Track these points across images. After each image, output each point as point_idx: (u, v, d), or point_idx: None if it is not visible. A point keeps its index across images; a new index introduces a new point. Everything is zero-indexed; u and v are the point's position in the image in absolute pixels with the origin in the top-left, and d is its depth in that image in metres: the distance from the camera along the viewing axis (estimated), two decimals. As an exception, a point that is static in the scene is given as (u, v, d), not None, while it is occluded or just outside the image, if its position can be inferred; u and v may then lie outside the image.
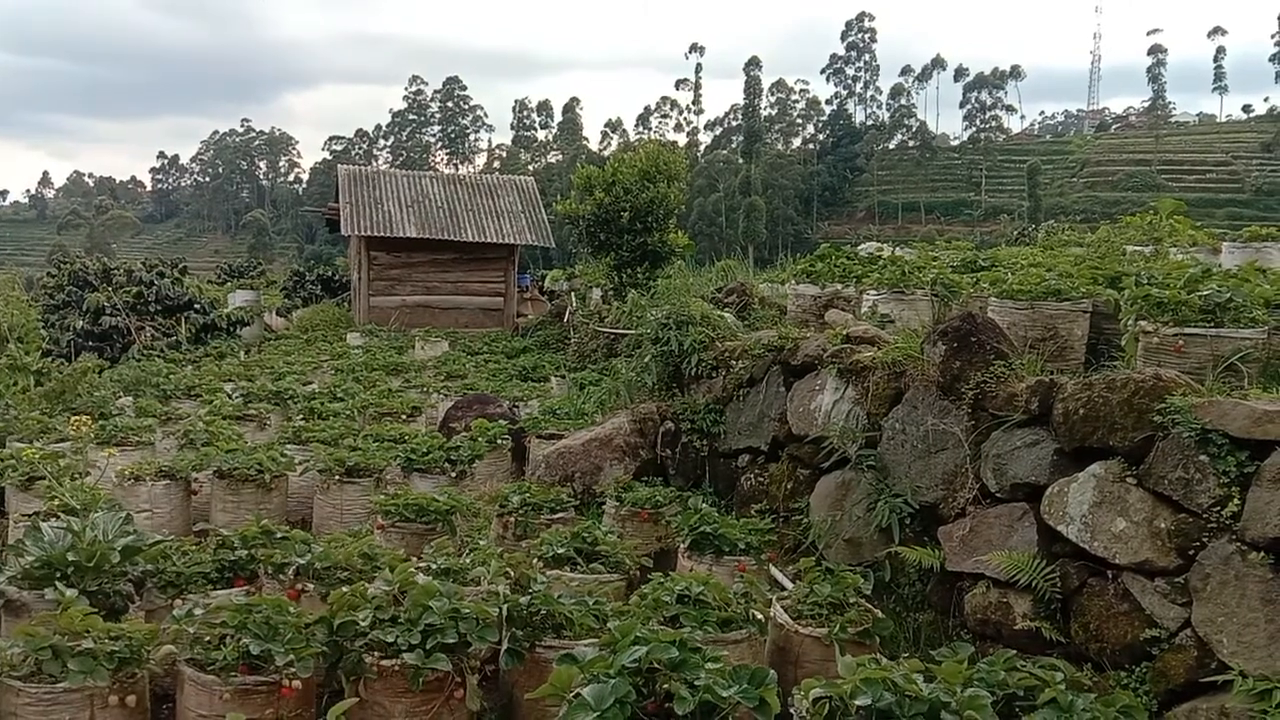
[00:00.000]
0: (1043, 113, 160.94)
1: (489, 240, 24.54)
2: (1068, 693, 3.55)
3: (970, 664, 3.88)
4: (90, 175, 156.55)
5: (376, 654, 4.23)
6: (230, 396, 12.38)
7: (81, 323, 17.70)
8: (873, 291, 8.25)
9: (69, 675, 3.87)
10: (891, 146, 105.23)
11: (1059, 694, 3.53)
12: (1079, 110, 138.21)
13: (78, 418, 8.18)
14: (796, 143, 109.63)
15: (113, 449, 8.37)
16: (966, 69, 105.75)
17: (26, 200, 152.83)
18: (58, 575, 4.67)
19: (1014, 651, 4.21)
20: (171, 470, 7.87)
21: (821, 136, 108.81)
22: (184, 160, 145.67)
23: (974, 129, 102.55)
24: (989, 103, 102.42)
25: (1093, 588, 4.71)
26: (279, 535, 5.75)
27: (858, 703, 3.38)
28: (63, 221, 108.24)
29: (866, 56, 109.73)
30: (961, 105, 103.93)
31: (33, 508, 6.61)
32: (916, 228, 79.00)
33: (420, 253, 24.32)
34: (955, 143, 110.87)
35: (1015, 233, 29.26)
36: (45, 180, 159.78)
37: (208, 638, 4.23)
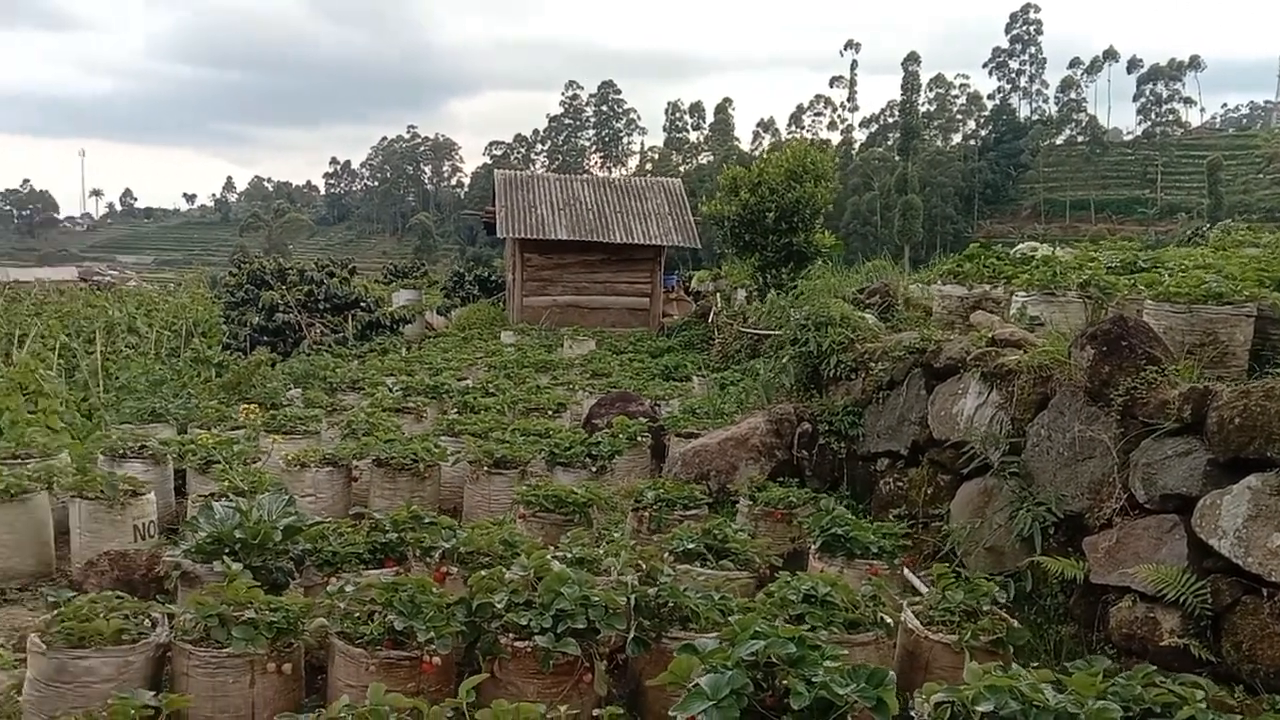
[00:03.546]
0: (1225, 105, 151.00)
1: (636, 241, 24.89)
2: (1208, 711, 3.40)
3: (1108, 678, 3.75)
4: (269, 180, 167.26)
5: (511, 635, 4.42)
6: (390, 390, 13.01)
7: (257, 319, 18.93)
8: (1022, 293, 8.00)
9: (233, 642, 4.21)
10: (1059, 142, 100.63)
11: (1198, 712, 3.38)
12: (1267, 102, 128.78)
13: (247, 406, 8.78)
14: (956, 139, 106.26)
15: (278, 436, 8.97)
16: (1141, 60, 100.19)
17: (212, 204, 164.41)
18: (226, 550, 5.07)
19: (1154, 667, 4.02)
20: (334, 458, 8.36)
21: (983, 132, 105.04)
22: (355, 165, 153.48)
23: (1149, 123, 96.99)
24: (1165, 95, 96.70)
25: (1246, 606, 4.46)
26: (427, 520, 6.05)
27: (980, 709, 3.33)
28: (244, 224, 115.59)
29: (1032, 49, 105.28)
30: (1135, 98, 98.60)
31: (209, 489, 7.16)
32: (1085, 226, 75.34)
33: (571, 254, 24.90)
34: (1128, 138, 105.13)
35: (1188, 232, 27.52)
36: (229, 185, 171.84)
37: (357, 613, 4.51)
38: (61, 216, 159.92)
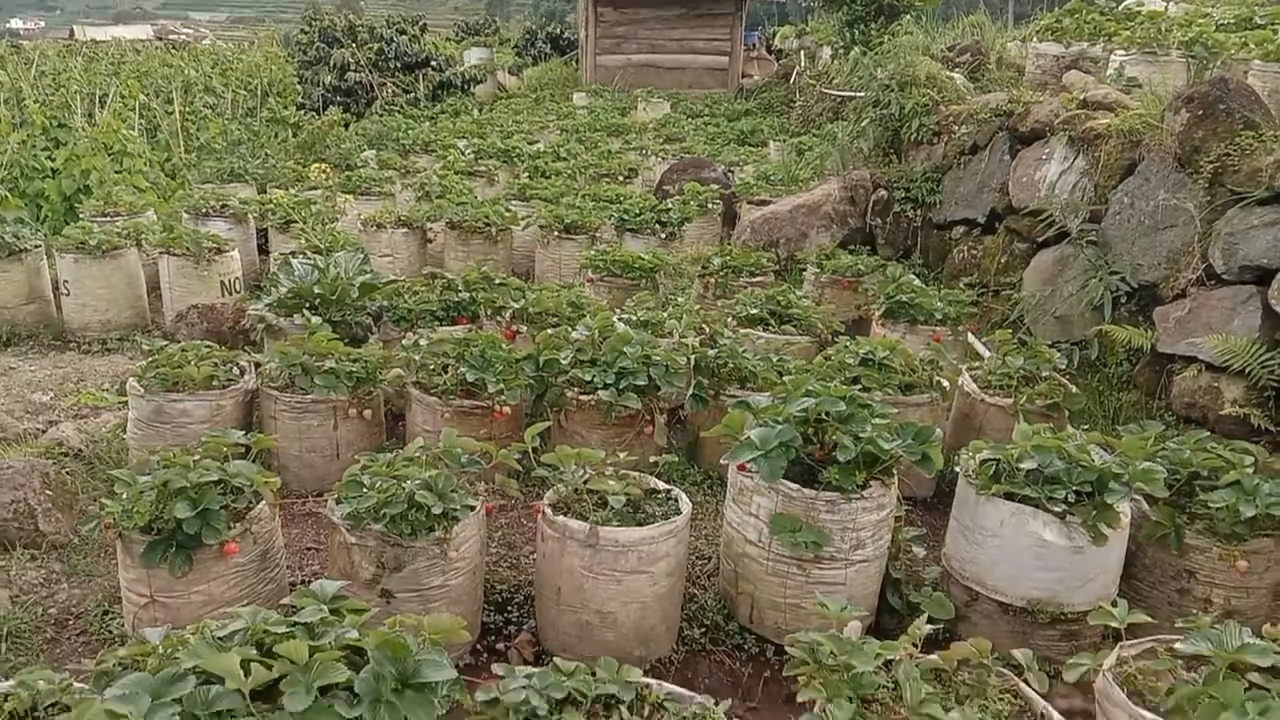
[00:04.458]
0: None
1: (717, -8, 23.50)
2: (1254, 476, 3.44)
3: (1159, 442, 3.79)
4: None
5: (576, 390, 4.62)
6: (463, 153, 12.96)
7: (330, 78, 18.71)
8: (1121, 52, 7.50)
9: (315, 388, 4.48)
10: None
11: (1244, 476, 3.43)
12: None
13: (318, 164, 8.85)
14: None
15: (353, 196, 9.09)
16: None
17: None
18: (306, 305, 5.29)
19: (1207, 434, 4.04)
20: (409, 220, 8.49)
21: None
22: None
23: None
24: None
25: (1314, 378, 4.41)
26: (498, 281, 6.19)
27: (1024, 466, 3.43)
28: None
29: None
30: None
31: (290, 247, 7.39)
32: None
33: (646, 8, 23.72)
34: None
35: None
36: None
37: (432, 365, 4.73)
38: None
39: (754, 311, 5.77)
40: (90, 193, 8.96)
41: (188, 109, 12.97)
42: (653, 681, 2.58)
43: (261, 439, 3.70)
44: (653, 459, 4.15)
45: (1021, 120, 7.46)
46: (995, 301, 7.09)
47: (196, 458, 3.32)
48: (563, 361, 4.68)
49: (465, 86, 21.42)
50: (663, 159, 13.11)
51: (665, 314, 5.56)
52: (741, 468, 3.52)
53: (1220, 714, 2.23)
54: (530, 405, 4.84)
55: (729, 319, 5.73)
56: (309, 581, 3.28)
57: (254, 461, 3.51)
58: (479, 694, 2.40)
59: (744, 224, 8.77)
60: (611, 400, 4.44)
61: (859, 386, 4.37)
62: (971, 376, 4.98)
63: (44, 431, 5.03)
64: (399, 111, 17.86)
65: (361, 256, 6.04)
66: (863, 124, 8.98)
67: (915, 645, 2.57)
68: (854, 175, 8.60)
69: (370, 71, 19.15)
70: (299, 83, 17.45)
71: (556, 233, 8.32)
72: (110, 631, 3.48)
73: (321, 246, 6.68)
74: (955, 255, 7.81)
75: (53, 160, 9.23)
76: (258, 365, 4.79)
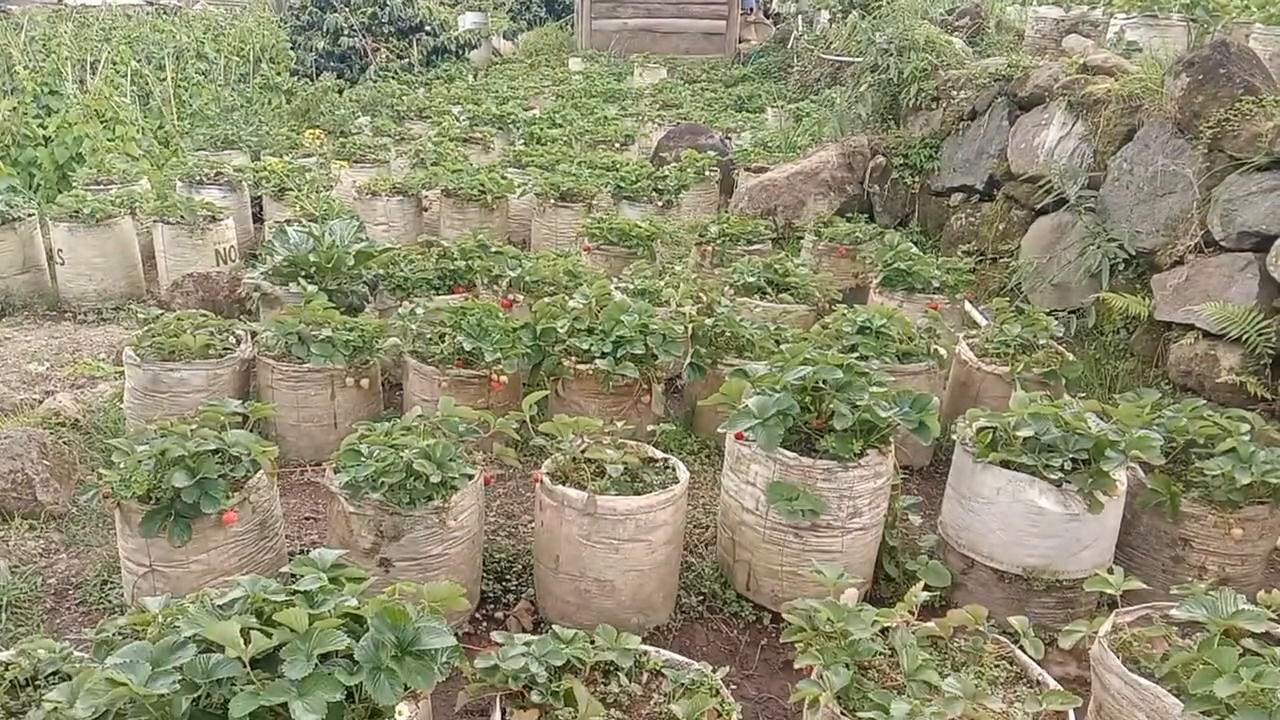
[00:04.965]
0: None
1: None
2: (1250, 444, 3.44)
3: (1156, 410, 3.80)
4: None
5: (573, 359, 4.61)
6: (457, 119, 12.84)
7: (323, 43, 18.47)
8: (1121, 15, 7.43)
9: (312, 357, 4.47)
10: None
11: (1240, 444, 3.43)
12: None
13: (312, 131, 8.77)
14: None
15: (347, 163, 9.01)
16: None
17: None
18: (301, 273, 5.26)
19: (1204, 402, 4.05)
20: (404, 187, 8.42)
21: None
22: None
23: None
24: None
25: (1311, 345, 4.41)
26: (494, 250, 6.16)
27: (1021, 434, 3.43)
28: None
29: None
30: None
31: (285, 215, 7.34)
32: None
33: (643, -28, 23.43)
34: None
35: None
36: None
37: (428, 334, 4.73)
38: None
39: (751, 280, 5.75)
40: (83, 161, 8.88)
41: (180, 75, 12.83)
42: (651, 648, 2.60)
43: (259, 408, 3.70)
44: (650, 428, 4.15)
45: (1021, 85, 7.42)
46: (993, 269, 7.08)
47: (194, 427, 3.32)
48: (560, 330, 4.67)
49: (460, 52, 21.17)
50: (659, 125, 13.01)
51: (662, 282, 5.54)
52: (739, 436, 3.52)
53: (1214, 679, 2.25)
54: (527, 374, 4.83)
55: (726, 287, 5.71)
56: (308, 551, 3.29)
57: (251, 431, 3.51)
58: (478, 661, 2.42)
59: (741, 191, 8.72)
60: (609, 369, 4.44)
61: (856, 355, 4.37)
62: (969, 344, 4.98)
63: (40, 402, 5.02)
64: (393, 77, 17.67)
65: (357, 224, 6.00)
66: (861, 89, 8.91)
67: (911, 612, 2.59)
68: (852, 142, 8.55)
69: (364, 36, 18.93)
70: (292, 48, 17.24)
71: (552, 200, 8.27)
72: (109, 601, 3.50)
73: (316, 214, 6.64)
74: (953, 222, 7.79)
75: (45, 128, 9.14)
76: (254, 334, 4.78)
